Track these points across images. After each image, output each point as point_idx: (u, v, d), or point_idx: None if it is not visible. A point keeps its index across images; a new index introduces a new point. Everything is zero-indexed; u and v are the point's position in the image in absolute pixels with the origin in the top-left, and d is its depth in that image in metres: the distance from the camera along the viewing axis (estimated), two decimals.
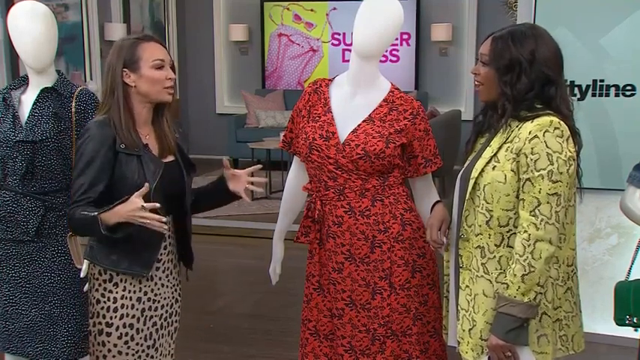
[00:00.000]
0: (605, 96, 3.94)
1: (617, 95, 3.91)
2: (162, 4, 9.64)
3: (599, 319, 3.84)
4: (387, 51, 7.40)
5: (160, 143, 2.42)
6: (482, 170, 2.12)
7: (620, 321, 2.60)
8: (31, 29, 2.73)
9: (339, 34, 9.39)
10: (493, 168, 2.10)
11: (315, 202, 2.59)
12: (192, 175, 2.53)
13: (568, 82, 4.03)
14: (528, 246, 2.03)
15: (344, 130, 2.53)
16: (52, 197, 2.78)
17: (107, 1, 8.11)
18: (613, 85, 3.91)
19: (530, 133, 2.03)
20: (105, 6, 8.04)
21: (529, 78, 2.07)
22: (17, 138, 2.74)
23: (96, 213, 2.21)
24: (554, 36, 4.07)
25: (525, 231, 2.03)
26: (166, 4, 9.70)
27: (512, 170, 2.07)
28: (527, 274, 2.02)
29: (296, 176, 2.78)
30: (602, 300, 3.76)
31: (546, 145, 2.01)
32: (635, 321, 2.56)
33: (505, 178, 2.07)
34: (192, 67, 10.00)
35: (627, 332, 2.76)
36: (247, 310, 4.73)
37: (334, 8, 9.33)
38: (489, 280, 2.13)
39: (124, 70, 2.32)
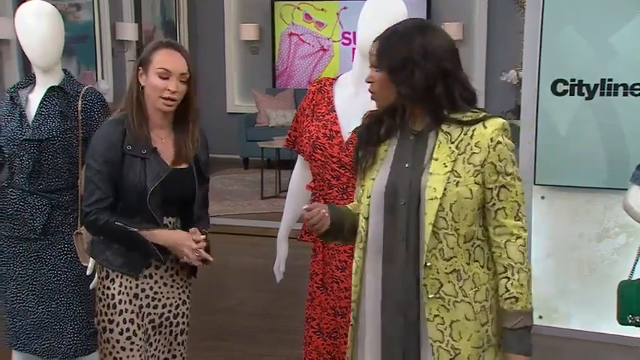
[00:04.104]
0: (614, 95, 3.92)
1: (625, 94, 3.89)
2: (174, 4, 9.67)
3: (607, 319, 3.82)
4: None
5: (178, 150, 2.38)
6: (445, 189, 1.90)
7: (622, 320, 2.59)
8: (38, 28, 2.75)
9: (350, 34, 9.39)
10: (456, 184, 1.90)
11: (318, 201, 2.59)
12: (203, 186, 2.47)
13: (576, 81, 4.04)
14: (525, 251, 1.95)
15: (347, 129, 2.53)
16: (58, 195, 2.81)
17: (119, 1, 8.14)
18: (621, 85, 3.89)
19: (492, 140, 1.91)
20: (116, 6, 8.07)
21: (424, 73, 1.91)
22: (24, 136, 2.76)
23: (136, 229, 2.28)
24: (562, 35, 4.07)
25: (518, 237, 1.95)
26: (177, 3, 9.73)
27: (476, 183, 1.91)
28: (529, 280, 1.96)
29: (300, 175, 2.78)
30: (611, 299, 3.72)
31: (508, 148, 1.93)
32: (637, 320, 2.55)
33: (471, 193, 1.91)
34: (203, 66, 10.01)
35: (634, 332, 2.75)
36: (255, 308, 4.74)
37: (345, 7, 9.33)
38: (469, 303, 1.95)
39: (139, 68, 2.33)
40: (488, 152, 1.91)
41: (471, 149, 1.91)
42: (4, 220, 2.84)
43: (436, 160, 1.92)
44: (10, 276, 2.87)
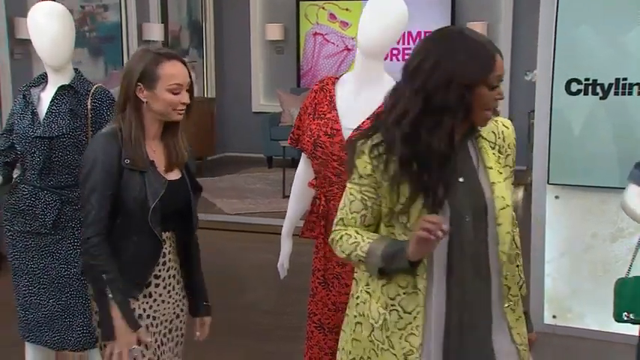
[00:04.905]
0: (628, 94, 3.89)
1: None
2: (200, 4, 9.78)
3: None
4: None
5: (169, 158, 2.30)
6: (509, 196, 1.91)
7: (618, 317, 2.59)
8: (49, 28, 2.82)
9: None
10: (509, 188, 1.92)
11: (319, 198, 2.63)
12: (197, 195, 2.42)
13: (590, 81, 4.01)
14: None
15: (348, 127, 2.56)
16: (68, 191, 2.88)
17: (145, 2, 8.25)
18: (636, 84, 3.86)
19: (514, 139, 1.96)
20: (143, 6, 8.19)
21: None
22: (35, 134, 2.84)
23: (110, 296, 2.17)
24: (576, 34, 4.03)
25: (516, 225, 2.02)
26: (204, 4, 9.84)
27: (512, 183, 1.96)
28: None
29: (304, 172, 2.82)
30: None
31: None
32: (632, 317, 2.54)
33: (512, 192, 1.94)
34: (229, 66, 10.12)
35: None
36: (270, 306, 4.79)
37: None
38: (520, 297, 2.00)
39: (139, 84, 2.19)
40: (514, 151, 1.96)
41: (506, 151, 1.94)
42: (16, 215, 2.93)
43: (491, 168, 1.88)
44: (22, 270, 2.95)
